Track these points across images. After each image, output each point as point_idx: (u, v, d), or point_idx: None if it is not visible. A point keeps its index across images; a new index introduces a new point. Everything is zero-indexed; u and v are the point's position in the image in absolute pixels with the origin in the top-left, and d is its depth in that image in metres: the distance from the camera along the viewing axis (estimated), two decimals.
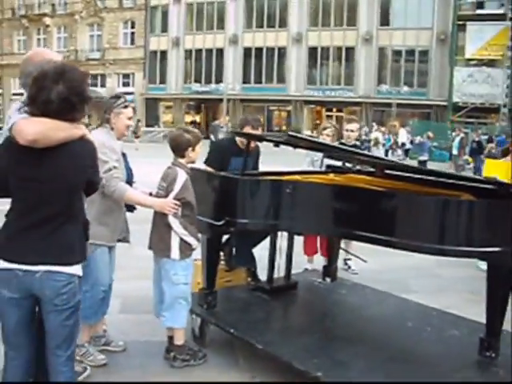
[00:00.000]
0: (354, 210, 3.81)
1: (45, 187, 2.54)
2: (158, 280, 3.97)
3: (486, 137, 25.54)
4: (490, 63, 35.61)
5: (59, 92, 2.47)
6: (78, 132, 2.57)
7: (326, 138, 6.09)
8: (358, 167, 5.51)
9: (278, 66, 42.83)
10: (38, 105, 2.48)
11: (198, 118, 46.21)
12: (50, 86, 2.47)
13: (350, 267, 6.74)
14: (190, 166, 3.90)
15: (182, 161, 3.85)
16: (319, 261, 6.51)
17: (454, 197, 3.84)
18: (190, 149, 3.84)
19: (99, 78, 43.87)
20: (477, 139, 22.43)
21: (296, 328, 4.16)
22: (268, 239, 5.10)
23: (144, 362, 4.01)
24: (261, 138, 4.63)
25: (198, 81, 44.10)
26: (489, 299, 3.74)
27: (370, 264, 6.70)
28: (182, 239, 3.76)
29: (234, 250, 5.21)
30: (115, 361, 4.00)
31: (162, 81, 45.47)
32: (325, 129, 6.34)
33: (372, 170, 5.03)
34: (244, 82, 42.56)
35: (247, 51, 43.06)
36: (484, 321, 4.15)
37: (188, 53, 44.84)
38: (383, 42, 39.68)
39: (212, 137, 22.32)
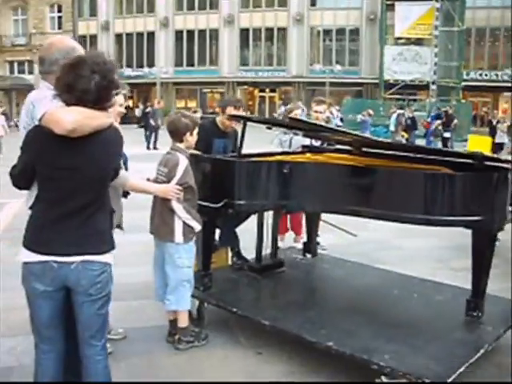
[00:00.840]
0: (347, 187, 3.99)
1: (79, 176, 2.51)
2: (160, 264, 4.01)
3: (418, 113, 26.44)
4: (418, 42, 36.83)
5: (97, 81, 2.46)
6: (108, 120, 2.57)
7: None
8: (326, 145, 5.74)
9: (210, 48, 42.70)
10: (75, 93, 2.45)
11: (130, 103, 45.36)
12: (88, 75, 2.44)
13: (318, 243, 6.95)
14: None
15: (181, 145, 3.89)
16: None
17: (434, 171, 4.08)
18: (189, 133, 3.88)
19: (26, 64, 42.01)
20: (411, 115, 23.16)
21: (295, 303, 4.30)
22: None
23: (148, 348, 4.05)
24: (264, 121, 4.71)
25: (129, 65, 43.23)
26: (474, 263, 4.02)
27: (333, 239, 6.93)
28: (185, 223, 3.82)
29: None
30: (119, 348, 4.00)
31: None
32: (291, 111, 6.45)
33: (347, 148, 5.23)
34: (176, 65, 42.14)
35: (179, 34, 42.58)
36: (457, 285, 4.53)
37: (118, 37, 43.91)
38: (314, 22, 40.20)
39: (152, 121, 21.88)
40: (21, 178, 2.63)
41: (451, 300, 4.39)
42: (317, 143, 6.08)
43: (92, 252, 2.58)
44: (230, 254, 5.44)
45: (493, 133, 18.73)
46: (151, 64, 41.95)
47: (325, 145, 5.97)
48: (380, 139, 6.21)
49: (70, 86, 2.46)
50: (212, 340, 4.16)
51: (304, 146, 5.58)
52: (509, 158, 6.95)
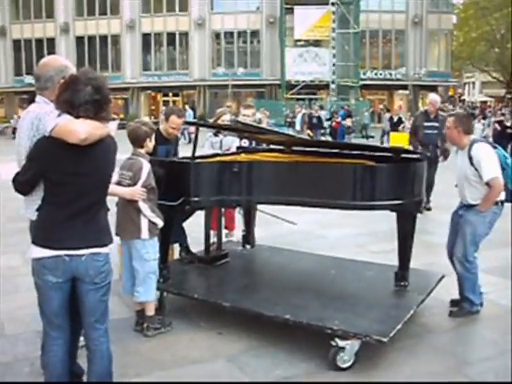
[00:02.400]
0: (290, 180, 4.55)
1: (85, 180, 2.87)
2: (127, 260, 4.39)
3: (321, 112, 27.68)
4: (317, 44, 38.58)
5: (91, 93, 2.82)
6: (106, 130, 2.94)
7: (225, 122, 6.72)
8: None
9: (113, 54, 42.31)
10: (75, 107, 2.81)
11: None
12: (83, 88, 2.81)
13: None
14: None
15: (142, 151, 4.29)
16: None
17: (359, 164, 4.73)
18: (148, 139, 4.29)
19: None
20: (316, 115, 24.27)
21: (247, 286, 4.82)
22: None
23: (119, 337, 4.31)
24: (213, 126, 5.16)
25: (29, 73, 41.94)
26: (400, 241, 4.70)
27: (261, 232, 7.45)
28: (149, 221, 4.23)
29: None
30: None
31: None
32: (220, 116, 6.93)
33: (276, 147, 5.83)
34: None
35: (80, 40, 41.91)
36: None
37: (17, 43, 42.51)
38: (215, 25, 40.87)
39: None
40: (28, 184, 2.93)
41: (380, 274, 5.06)
42: (245, 144, 6.63)
43: (98, 245, 2.96)
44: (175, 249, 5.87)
45: (395, 128, 20.23)
46: None
47: (253, 145, 6.54)
48: (309, 138, 6.81)
49: (69, 102, 2.83)
50: (175, 326, 4.57)
51: (238, 147, 6.10)
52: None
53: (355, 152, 5.21)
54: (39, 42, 42.03)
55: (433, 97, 10.00)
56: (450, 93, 59.30)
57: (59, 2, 41.21)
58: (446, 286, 5.08)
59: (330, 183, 4.54)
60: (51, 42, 41.89)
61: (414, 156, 4.93)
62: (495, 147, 4.77)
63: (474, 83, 72.36)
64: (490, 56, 54.82)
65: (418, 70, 39.22)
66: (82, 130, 2.76)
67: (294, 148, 5.58)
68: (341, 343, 3.78)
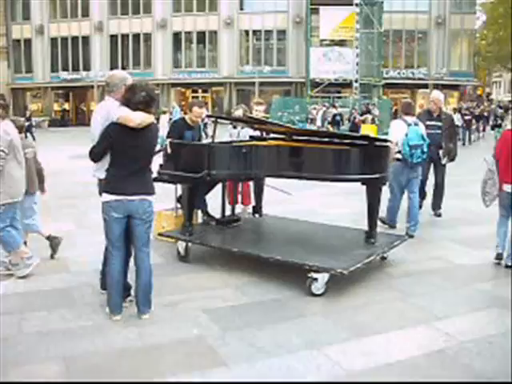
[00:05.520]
0: (287, 159, 6.02)
1: (140, 150, 4.39)
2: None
3: (343, 109, 29.08)
4: (341, 43, 39.70)
5: (144, 96, 4.35)
6: (152, 118, 4.48)
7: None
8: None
9: (144, 52, 44.04)
10: (132, 103, 4.33)
11: (67, 106, 46.37)
12: (139, 93, 4.35)
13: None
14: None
15: None
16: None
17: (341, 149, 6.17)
18: None
19: None
20: (338, 112, 25.79)
21: (252, 239, 6.35)
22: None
23: (156, 274, 5.84)
24: (229, 119, 6.66)
25: (65, 69, 44.17)
26: (368, 207, 6.12)
27: (271, 210, 8.79)
28: None
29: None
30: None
31: (29, 70, 44.94)
32: (237, 109, 8.44)
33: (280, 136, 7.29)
34: (111, 69, 42.81)
35: (113, 38, 43.81)
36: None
37: (54, 41, 44.66)
38: (243, 25, 42.34)
39: None
40: (100, 154, 4.46)
41: (357, 236, 6.46)
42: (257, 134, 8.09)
43: (145, 193, 4.48)
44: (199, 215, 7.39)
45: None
46: (87, 67, 43.11)
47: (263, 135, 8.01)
48: (305, 128, 8.24)
49: (129, 100, 4.37)
50: (197, 267, 6.09)
51: (250, 137, 7.60)
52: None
53: (340, 140, 6.66)
54: (75, 39, 44.18)
55: (435, 94, 9.10)
56: (479, 92, 59.81)
57: (94, 1, 43.24)
58: (413, 249, 6.60)
59: (318, 162, 6.00)
60: (86, 39, 44.01)
61: (383, 143, 6.33)
62: (409, 124, 7.18)
63: (500, 83, 72.64)
64: None
65: (440, 69, 40.16)
66: (138, 117, 4.28)
67: (295, 137, 7.04)
68: (315, 275, 5.22)
